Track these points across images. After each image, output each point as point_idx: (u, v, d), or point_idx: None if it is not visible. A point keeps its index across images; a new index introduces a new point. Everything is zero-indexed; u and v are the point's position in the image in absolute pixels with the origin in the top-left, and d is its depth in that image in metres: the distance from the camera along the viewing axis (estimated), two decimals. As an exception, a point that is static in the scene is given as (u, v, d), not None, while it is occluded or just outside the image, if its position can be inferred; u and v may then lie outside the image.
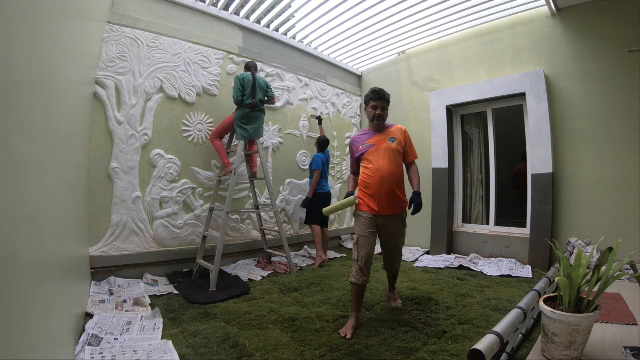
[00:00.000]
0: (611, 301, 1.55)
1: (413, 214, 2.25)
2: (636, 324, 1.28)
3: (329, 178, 4.49)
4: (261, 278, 3.28)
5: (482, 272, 3.45)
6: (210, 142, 3.55)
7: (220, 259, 2.97)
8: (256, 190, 3.86)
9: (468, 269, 3.60)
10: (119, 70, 2.98)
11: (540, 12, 3.68)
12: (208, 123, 3.59)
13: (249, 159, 3.74)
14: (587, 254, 2.86)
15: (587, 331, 1.01)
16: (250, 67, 3.49)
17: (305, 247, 4.48)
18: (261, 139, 3.62)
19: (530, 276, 3.26)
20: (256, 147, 3.56)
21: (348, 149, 2.40)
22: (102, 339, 1.87)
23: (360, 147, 2.38)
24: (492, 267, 3.55)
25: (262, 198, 4.04)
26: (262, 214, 4.01)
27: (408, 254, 4.40)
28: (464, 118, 4.51)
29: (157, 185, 3.19)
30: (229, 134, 3.63)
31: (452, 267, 3.71)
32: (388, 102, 2.37)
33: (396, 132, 2.37)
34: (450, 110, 4.45)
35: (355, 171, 2.49)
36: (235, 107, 3.41)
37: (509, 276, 3.29)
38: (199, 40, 3.54)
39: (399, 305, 2.51)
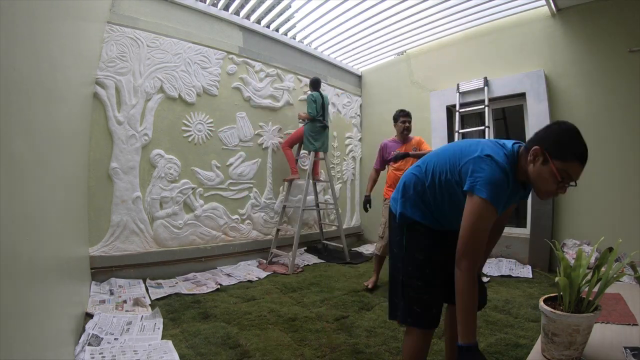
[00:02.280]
0: (612, 301, 1.55)
1: None
2: (636, 324, 1.28)
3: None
4: (257, 279, 3.28)
5: (482, 272, 3.44)
6: (282, 149, 4.13)
7: (297, 246, 3.72)
8: (317, 190, 4.47)
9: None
10: (119, 70, 2.98)
11: (540, 12, 3.68)
12: (208, 123, 3.59)
13: (314, 165, 4.22)
14: (587, 254, 2.86)
15: (587, 331, 1.01)
16: (317, 86, 4.07)
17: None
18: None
19: (530, 276, 3.26)
20: (320, 155, 4.10)
21: (378, 149, 3.25)
22: (102, 339, 1.87)
23: (392, 152, 3.07)
24: (491, 267, 3.54)
25: (263, 198, 4.05)
26: (262, 214, 4.03)
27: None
28: (463, 118, 4.51)
29: (157, 185, 3.19)
30: (297, 144, 4.23)
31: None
32: (411, 118, 3.12)
33: (415, 143, 3.08)
34: (450, 110, 4.45)
35: (379, 168, 3.22)
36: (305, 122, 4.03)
37: (509, 276, 3.29)
38: (199, 40, 3.54)
39: None
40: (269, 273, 3.44)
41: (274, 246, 3.90)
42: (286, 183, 4.15)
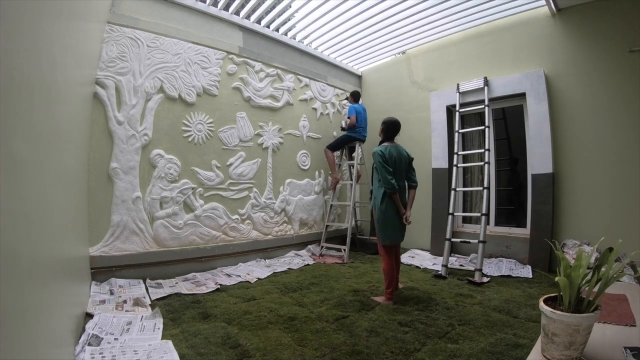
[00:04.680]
0: (615, 302, 1.55)
1: None
2: (634, 325, 1.28)
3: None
4: (257, 279, 3.28)
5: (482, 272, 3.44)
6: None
7: (350, 241, 4.37)
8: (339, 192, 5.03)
9: (468, 269, 3.60)
10: (119, 70, 2.98)
11: (540, 12, 3.68)
12: (208, 123, 3.59)
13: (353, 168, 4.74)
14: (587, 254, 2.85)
15: (587, 331, 1.01)
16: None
17: (309, 246, 4.51)
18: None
19: (530, 276, 3.26)
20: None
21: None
22: (102, 339, 1.87)
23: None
24: (491, 267, 3.54)
25: (263, 198, 4.05)
26: (262, 214, 4.03)
27: (406, 257, 4.40)
28: (463, 118, 4.51)
29: (157, 185, 3.19)
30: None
31: (452, 267, 3.70)
32: None
33: None
34: (450, 110, 4.45)
35: None
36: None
37: (509, 276, 3.29)
38: (199, 40, 3.54)
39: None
40: (269, 274, 3.43)
41: (323, 240, 4.45)
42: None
